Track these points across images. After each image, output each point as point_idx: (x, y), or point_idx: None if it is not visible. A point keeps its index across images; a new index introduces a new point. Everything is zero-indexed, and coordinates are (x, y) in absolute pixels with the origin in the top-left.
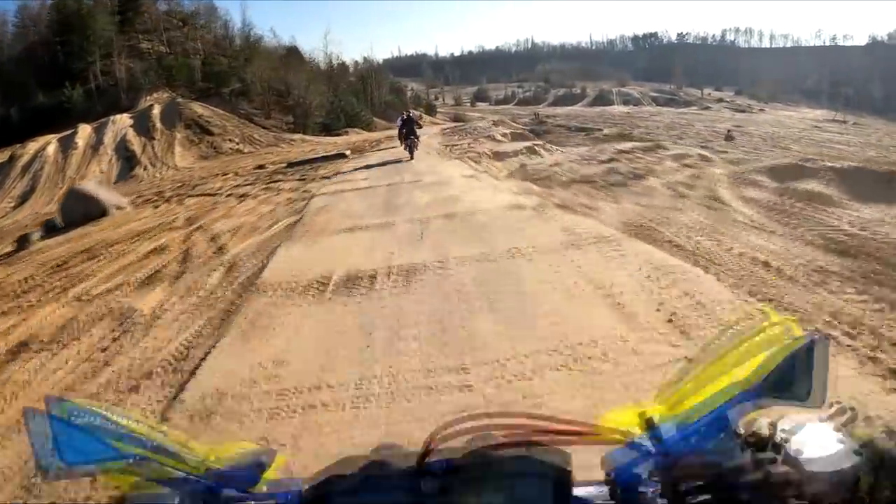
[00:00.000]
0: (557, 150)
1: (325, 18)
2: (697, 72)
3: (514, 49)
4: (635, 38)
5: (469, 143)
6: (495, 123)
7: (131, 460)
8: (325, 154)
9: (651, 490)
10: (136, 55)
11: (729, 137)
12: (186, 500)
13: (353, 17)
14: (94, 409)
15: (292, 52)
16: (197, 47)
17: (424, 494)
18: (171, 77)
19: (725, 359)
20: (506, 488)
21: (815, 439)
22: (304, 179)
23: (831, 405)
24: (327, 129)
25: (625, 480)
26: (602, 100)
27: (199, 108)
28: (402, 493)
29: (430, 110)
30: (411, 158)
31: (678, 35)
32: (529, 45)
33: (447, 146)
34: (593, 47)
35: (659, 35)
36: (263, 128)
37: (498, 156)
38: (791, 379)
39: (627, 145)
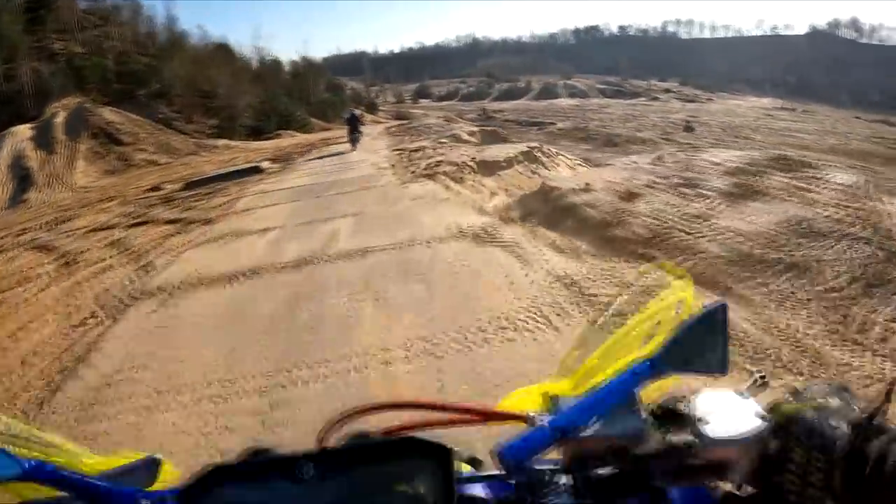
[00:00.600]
0: (561, 154)
1: (263, 18)
2: (641, 64)
3: (454, 45)
4: (577, 32)
5: (433, 148)
6: (448, 120)
7: (27, 466)
8: (236, 168)
9: (550, 467)
10: (48, 57)
11: (688, 128)
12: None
13: (291, 17)
14: None
15: (221, 50)
16: (115, 46)
17: (302, 480)
18: (84, 80)
19: (627, 331)
20: (384, 469)
21: (720, 407)
22: (180, 221)
23: (750, 376)
24: (257, 133)
25: (514, 458)
26: (548, 93)
27: (109, 115)
28: (279, 479)
29: (372, 108)
30: (353, 150)
31: (619, 28)
32: (470, 41)
33: (401, 152)
34: (535, 42)
35: (600, 28)
36: (183, 133)
37: (487, 168)
38: (694, 347)
39: (729, 155)
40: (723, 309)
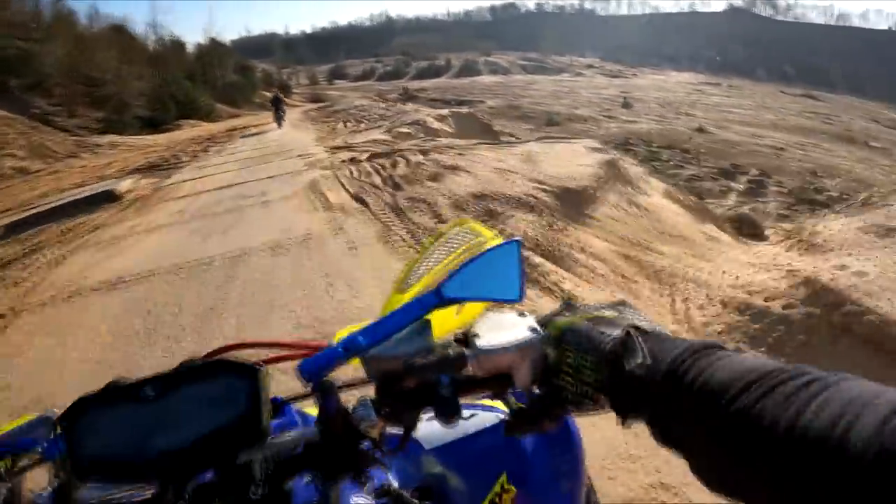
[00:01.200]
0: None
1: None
2: (560, 40)
3: (368, 24)
4: (493, 9)
5: (422, 152)
6: (382, 99)
7: None
8: (78, 197)
9: (337, 383)
10: None
11: (626, 105)
12: None
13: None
14: None
15: (114, 31)
16: None
17: (146, 399)
18: None
19: (433, 270)
20: (207, 387)
21: (497, 324)
22: None
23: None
24: (155, 124)
25: (310, 370)
26: (469, 70)
27: None
28: (129, 402)
29: (285, 90)
30: (279, 127)
31: (536, 4)
32: (384, 19)
33: (352, 155)
34: (450, 19)
35: (517, 5)
36: (64, 130)
37: (575, 209)
38: (486, 277)
39: None
40: (517, 244)
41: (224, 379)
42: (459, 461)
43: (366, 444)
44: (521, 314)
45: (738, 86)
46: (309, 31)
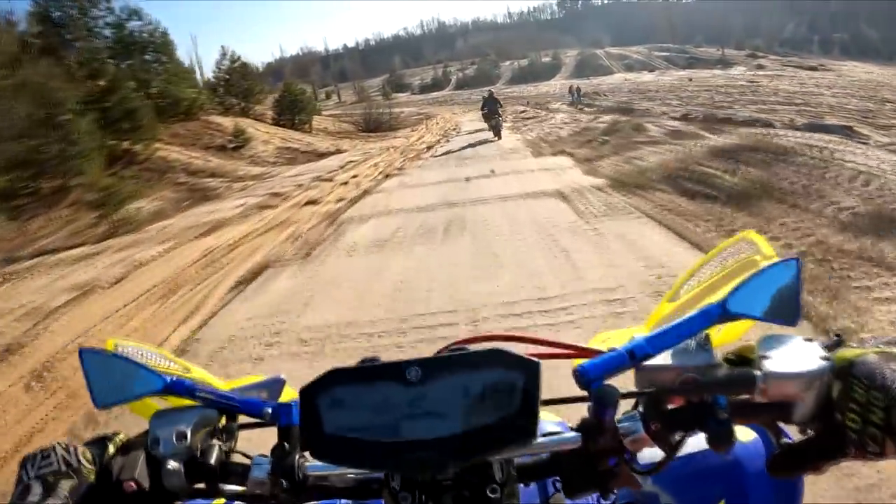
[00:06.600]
0: None
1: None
2: (655, 30)
3: (418, 33)
4: (562, 2)
5: None
6: None
7: (168, 381)
8: None
9: (620, 391)
10: None
11: None
12: (208, 413)
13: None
14: (135, 346)
15: None
16: None
17: (408, 382)
18: None
19: (705, 282)
20: (479, 377)
21: (784, 347)
22: None
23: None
24: None
25: (590, 375)
26: (588, 67)
27: None
28: (389, 381)
29: (294, 115)
30: (498, 138)
31: None
32: (436, 25)
33: None
34: (512, 20)
35: None
36: None
37: None
38: (766, 296)
39: None
40: (797, 262)
41: (498, 372)
42: (676, 481)
43: (619, 459)
44: (808, 339)
45: None
46: (351, 45)
